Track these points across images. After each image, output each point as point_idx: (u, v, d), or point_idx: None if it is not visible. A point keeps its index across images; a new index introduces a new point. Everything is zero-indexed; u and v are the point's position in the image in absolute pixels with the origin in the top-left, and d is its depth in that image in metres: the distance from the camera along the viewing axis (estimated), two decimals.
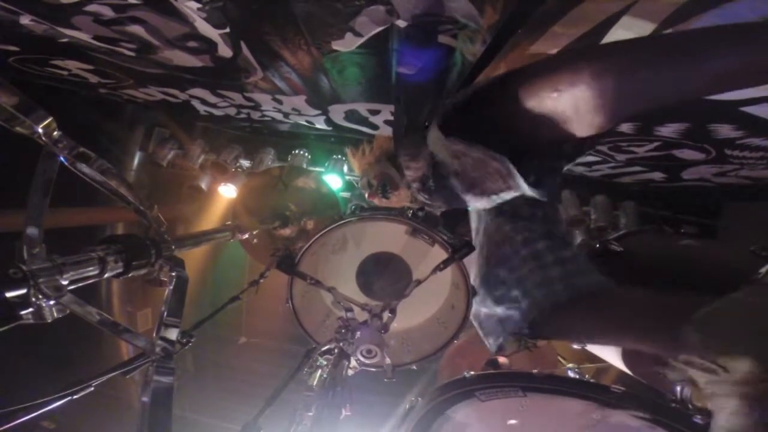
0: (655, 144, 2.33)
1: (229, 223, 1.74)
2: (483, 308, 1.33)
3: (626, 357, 1.26)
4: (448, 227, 1.50)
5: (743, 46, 0.78)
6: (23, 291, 0.61)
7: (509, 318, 1.24)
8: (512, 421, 1.19)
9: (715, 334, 0.76)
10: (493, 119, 1.05)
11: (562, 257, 1.20)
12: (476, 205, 1.22)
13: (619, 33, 1.36)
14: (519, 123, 0.99)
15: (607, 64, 0.89)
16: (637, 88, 0.88)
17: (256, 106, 2.95)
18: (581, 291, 1.14)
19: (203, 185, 3.79)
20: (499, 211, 1.28)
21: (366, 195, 1.66)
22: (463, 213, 1.59)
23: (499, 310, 1.27)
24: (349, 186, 3.60)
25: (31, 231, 0.66)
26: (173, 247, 0.96)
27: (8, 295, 0.60)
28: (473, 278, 1.32)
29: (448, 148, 1.08)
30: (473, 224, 1.44)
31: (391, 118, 2.72)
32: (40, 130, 0.69)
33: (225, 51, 2.01)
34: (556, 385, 1.12)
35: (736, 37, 0.82)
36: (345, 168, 3.51)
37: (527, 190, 1.05)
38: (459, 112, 1.11)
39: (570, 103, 0.90)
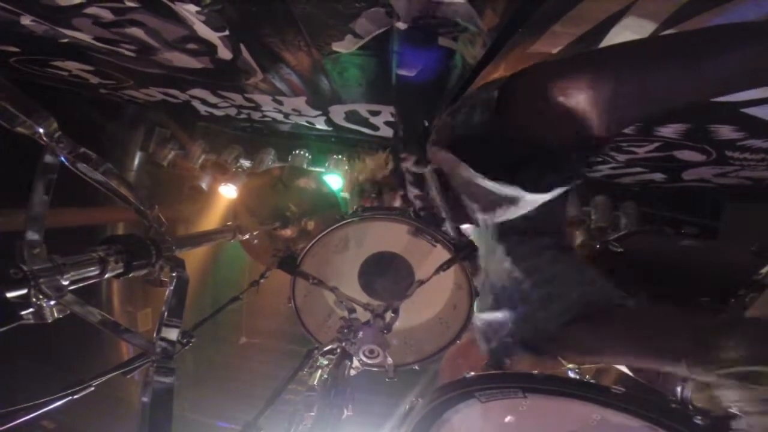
0: (656, 144, 2.32)
1: (230, 223, 1.74)
2: (482, 315, 1.31)
3: None
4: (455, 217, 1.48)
5: (746, 47, 0.78)
6: (24, 291, 0.61)
7: (507, 326, 1.21)
8: (512, 422, 1.19)
9: (750, 350, 0.73)
10: (501, 126, 1.03)
11: (567, 272, 1.15)
12: (485, 218, 1.18)
13: (620, 32, 1.36)
14: (528, 126, 0.97)
15: (611, 68, 0.89)
16: (641, 90, 0.87)
17: (257, 107, 2.95)
18: (591, 304, 1.08)
19: (204, 185, 3.78)
20: (501, 226, 1.23)
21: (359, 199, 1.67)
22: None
23: (499, 316, 1.24)
24: None
25: (32, 231, 0.66)
26: (174, 247, 0.96)
27: (9, 295, 0.59)
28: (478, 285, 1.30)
29: (456, 165, 1.07)
30: (477, 240, 1.41)
31: (391, 119, 2.72)
32: (41, 131, 0.69)
33: (224, 53, 2.01)
34: (556, 386, 1.12)
35: (738, 37, 0.81)
36: (345, 168, 3.51)
37: (530, 197, 1.01)
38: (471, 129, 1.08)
39: (577, 105, 0.90)
